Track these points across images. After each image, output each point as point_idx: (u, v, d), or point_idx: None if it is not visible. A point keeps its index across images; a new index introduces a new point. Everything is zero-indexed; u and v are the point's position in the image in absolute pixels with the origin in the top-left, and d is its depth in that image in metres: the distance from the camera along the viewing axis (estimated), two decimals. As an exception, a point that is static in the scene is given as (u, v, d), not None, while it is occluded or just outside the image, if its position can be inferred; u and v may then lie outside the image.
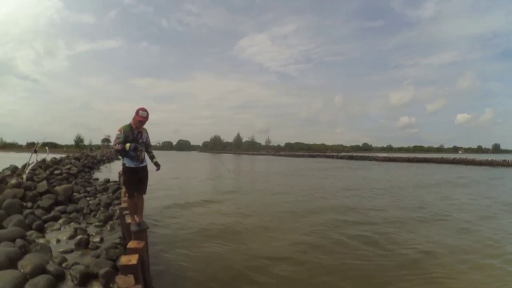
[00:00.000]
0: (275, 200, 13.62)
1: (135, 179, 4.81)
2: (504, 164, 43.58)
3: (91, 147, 67.44)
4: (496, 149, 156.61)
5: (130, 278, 3.54)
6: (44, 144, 18.87)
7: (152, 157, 5.15)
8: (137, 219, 4.96)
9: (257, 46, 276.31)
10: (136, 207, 5.00)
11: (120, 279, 3.56)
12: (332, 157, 73.23)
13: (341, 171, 33.14)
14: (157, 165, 5.21)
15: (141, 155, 4.80)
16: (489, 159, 48.67)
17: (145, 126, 4.95)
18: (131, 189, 4.89)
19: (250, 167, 40.92)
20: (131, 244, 4.42)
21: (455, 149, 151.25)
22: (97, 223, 8.25)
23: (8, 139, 75.87)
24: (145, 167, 4.94)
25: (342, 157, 69.38)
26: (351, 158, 66.09)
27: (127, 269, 3.70)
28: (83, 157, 30.51)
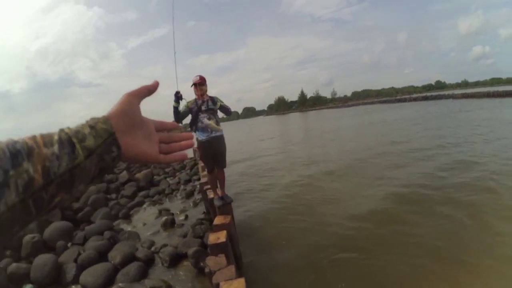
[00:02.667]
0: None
1: (210, 152, 4.38)
2: None
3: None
4: None
5: (221, 258, 3.09)
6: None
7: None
8: (219, 193, 4.65)
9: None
10: (217, 181, 4.72)
11: (211, 260, 3.13)
12: (405, 100, 67.67)
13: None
14: (223, 107, 4.49)
15: (210, 123, 4.33)
16: None
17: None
18: (209, 163, 4.53)
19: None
20: (217, 220, 4.08)
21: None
22: (180, 201, 8.17)
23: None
24: (219, 137, 4.42)
25: (415, 99, 63.54)
26: (425, 98, 59.79)
27: (216, 248, 3.32)
28: (158, 142, 31.84)
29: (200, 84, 4.30)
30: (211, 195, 4.96)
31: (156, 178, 11.25)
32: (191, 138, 0.65)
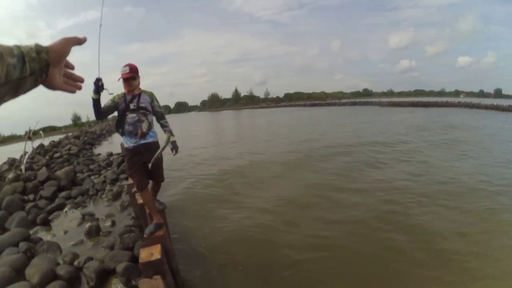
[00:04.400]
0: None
1: (138, 164, 3.51)
2: (510, 109, 35.00)
3: (89, 123, 66.26)
4: (498, 93, 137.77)
5: (158, 282, 2.84)
6: (40, 129, 17.92)
7: (168, 132, 3.63)
8: None
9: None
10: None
11: (144, 284, 2.82)
12: (334, 104, 73.44)
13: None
14: (175, 146, 3.65)
15: (139, 126, 3.48)
16: (494, 104, 40.03)
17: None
18: (139, 178, 3.54)
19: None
20: (150, 232, 3.63)
21: (457, 93, 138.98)
22: (105, 204, 7.69)
23: (7, 132, 73.24)
24: (151, 144, 3.56)
25: (344, 104, 69.58)
26: (354, 104, 66.62)
27: (150, 267, 2.97)
28: (82, 134, 29.61)
29: (131, 78, 3.44)
30: (140, 200, 4.29)
31: (80, 176, 10.45)
32: (83, 82, 0.82)
